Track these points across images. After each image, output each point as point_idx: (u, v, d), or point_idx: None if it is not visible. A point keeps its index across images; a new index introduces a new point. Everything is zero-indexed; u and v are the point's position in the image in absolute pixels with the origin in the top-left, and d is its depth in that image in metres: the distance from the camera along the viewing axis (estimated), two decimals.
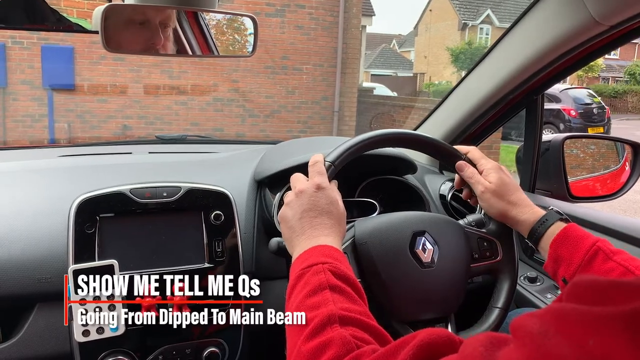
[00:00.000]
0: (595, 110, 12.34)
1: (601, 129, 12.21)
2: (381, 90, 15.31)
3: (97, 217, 1.08)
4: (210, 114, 9.35)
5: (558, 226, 0.91)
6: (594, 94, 13.17)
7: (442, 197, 1.44)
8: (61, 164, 1.36)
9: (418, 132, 1.09)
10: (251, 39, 1.14)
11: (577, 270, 0.86)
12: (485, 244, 1.04)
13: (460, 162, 1.03)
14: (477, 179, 1.01)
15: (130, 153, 1.52)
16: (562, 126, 11.74)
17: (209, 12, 0.97)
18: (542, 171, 1.47)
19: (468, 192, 1.07)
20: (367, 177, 1.37)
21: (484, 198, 1.00)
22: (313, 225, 0.82)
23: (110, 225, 1.09)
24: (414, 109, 10.49)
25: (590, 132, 11.79)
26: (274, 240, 0.94)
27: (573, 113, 12.00)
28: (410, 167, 1.37)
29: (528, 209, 0.96)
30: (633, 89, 25.47)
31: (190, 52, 1.03)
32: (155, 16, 0.97)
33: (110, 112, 8.78)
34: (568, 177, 1.50)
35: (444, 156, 1.07)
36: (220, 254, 1.14)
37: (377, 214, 1.31)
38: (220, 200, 1.17)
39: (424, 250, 0.97)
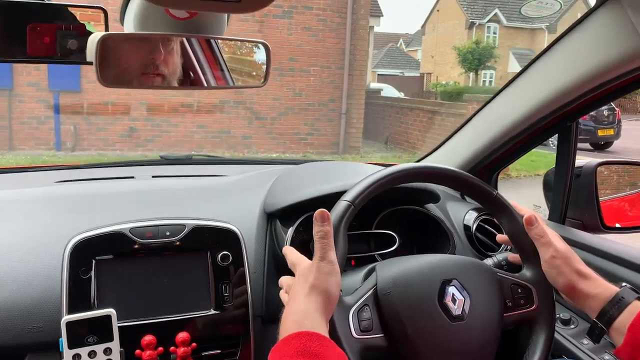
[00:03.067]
0: (605, 113, 12.17)
1: (611, 131, 12.04)
2: (388, 91, 15.23)
3: (94, 260, 0.99)
4: (217, 116, 9.29)
5: (636, 306, 0.82)
6: None
7: (467, 227, 1.34)
8: (57, 193, 1.26)
9: (445, 165, 0.99)
10: (262, 59, 1.04)
11: None
12: (519, 290, 0.95)
13: (531, 216, 0.94)
14: (548, 240, 0.91)
15: (133, 177, 1.43)
16: None
17: (217, 39, 0.87)
18: (572, 198, 1.37)
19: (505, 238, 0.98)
20: (386, 208, 1.28)
21: (553, 264, 0.90)
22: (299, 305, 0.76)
23: (107, 269, 1.00)
24: (422, 111, 10.38)
25: (601, 134, 11.63)
26: None
27: None
28: (432, 196, 1.28)
29: (599, 282, 0.87)
30: None
31: (205, 84, 0.93)
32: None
33: (117, 114, 8.75)
34: (600, 205, 1.40)
35: (477, 195, 0.99)
36: (227, 299, 1.05)
37: (397, 246, 1.22)
38: (227, 238, 1.09)
39: (453, 301, 0.88)
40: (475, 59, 22.44)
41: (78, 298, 0.97)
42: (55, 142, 8.64)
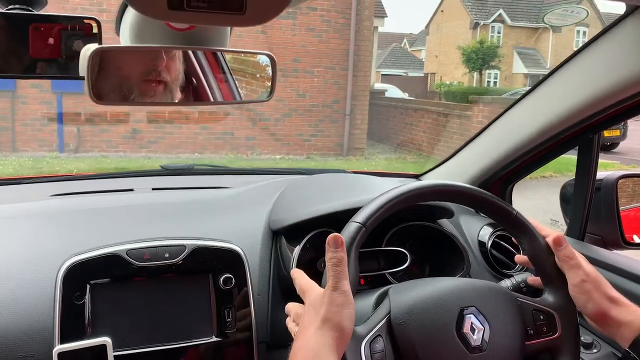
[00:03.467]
0: None
1: (618, 132, 11.92)
2: (393, 91, 15.16)
3: (88, 285, 0.93)
4: (220, 117, 9.23)
5: None
6: None
7: (482, 244, 1.28)
8: (52, 208, 1.20)
9: (460, 183, 0.93)
10: (265, 60, 0.98)
11: None
12: (541, 317, 0.89)
13: (560, 236, 0.88)
14: (577, 262, 0.85)
15: (132, 190, 1.37)
16: None
17: (219, 51, 0.82)
18: (592, 213, 1.30)
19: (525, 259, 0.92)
20: (397, 223, 1.21)
21: (583, 289, 0.83)
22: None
23: (103, 294, 0.94)
24: (427, 112, 10.30)
25: (607, 135, 11.51)
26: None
27: None
28: (445, 212, 1.21)
29: (632, 308, 0.81)
30: None
31: (210, 95, 0.88)
32: None
33: (119, 115, 8.70)
34: (622, 220, 1.33)
35: (495, 214, 0.93)
36: (230, 324, 0.99)
37: (409, 264, 1.16)
38: (230, 259, 1.03)
39: (472, 330, 0.82)
40: (480, 59, 22.31)
41: (71, 325, 0.91)
42: (58, 144, 8.60)
